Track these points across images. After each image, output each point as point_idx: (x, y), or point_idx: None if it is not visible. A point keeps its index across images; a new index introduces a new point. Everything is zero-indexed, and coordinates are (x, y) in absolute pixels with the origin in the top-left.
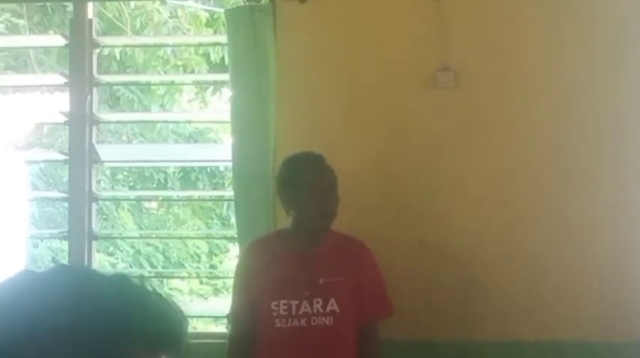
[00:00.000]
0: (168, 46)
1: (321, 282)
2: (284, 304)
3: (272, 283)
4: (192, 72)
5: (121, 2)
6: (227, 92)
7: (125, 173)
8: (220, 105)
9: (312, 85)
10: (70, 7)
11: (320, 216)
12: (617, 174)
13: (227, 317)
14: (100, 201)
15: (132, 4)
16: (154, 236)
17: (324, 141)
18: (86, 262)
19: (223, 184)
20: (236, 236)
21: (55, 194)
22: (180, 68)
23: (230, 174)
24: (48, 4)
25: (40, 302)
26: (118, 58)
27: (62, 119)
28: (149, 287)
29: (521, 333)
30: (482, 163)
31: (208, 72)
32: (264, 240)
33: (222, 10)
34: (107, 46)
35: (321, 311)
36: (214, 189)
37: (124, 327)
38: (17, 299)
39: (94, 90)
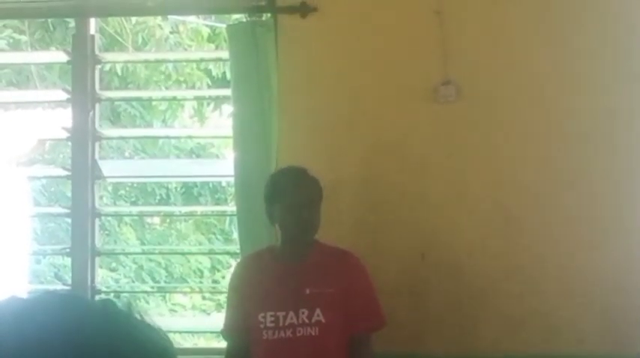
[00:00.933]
0: (170, 61)
1: (307, 293)
2: (271, 316)
3: (259, 295)
4: (194, 87)
5: (123, 18)
6: (227, 108)
7: (127, 188)
8: (221, 121)
9: (313, 100)
10: (72, 24)
11: (298, 230)
12: (620, 186)
13: (221, 333)
14: (102, 217)
15: (133, 19)
16: (157, 252)
17: (326, 155)
18: (89, 278)
19: (225, 199)
20: (238, 251)
21: (58, 210)
22: (182, 84)
23: (232, 190)
24: (49, 20)
25: (28, 330)
26: (120, 73)
27: (65, 135)
28: (136, 315)
29: (521, 347)
30: (484, 176)
31: (210, 87)
32: (255, 255)
33: (224, 26)
34: (109, 62)
35: (307, 321)
36: (216, 204)
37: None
38: (3, 326)
39: (97, 106)
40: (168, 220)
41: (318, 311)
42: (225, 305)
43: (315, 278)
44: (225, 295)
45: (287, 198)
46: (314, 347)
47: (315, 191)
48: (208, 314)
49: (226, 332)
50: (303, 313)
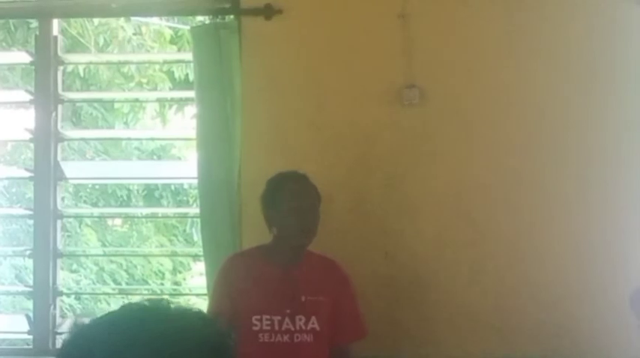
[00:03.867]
0: (133, 63)
1: (303, 300)
2: (267, 319)
3: (254, 296)
4: (156, 89)
5: (85, 19)
6: (190, 110)
7: (88, 190)
8: (184, 123)
9: (278, 102)
10: (34, 25)
11: (299, 234)
12: (589, 191)
13: None
14: (64, 218)
15: (96, 21)
16: (119, 254)
17: (291, 158)
18: (51, 279)
19: (187, 201)
20: (200, 253)
21: (21, 211)
22: (145, 85)
23: (194, 192)
24: (11, 21)
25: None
26: (82, 75)
27: (27, 136)
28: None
29: (486, 349)
30: (448, 180)
31: (171, 89)
32: (246, 253)
33: (187, 28)
34: (72, 64)
35: (304, 328)
36: (178, 206)
37: None
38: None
39: (59, 107)
40: (129, 222)
41: (313, 318)
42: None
43: (310, 286)
44: (186, 297)
45: (289, 201)
46: (309, 353)
47: (314, 195)
48: None
49: None
50: (300, 320)
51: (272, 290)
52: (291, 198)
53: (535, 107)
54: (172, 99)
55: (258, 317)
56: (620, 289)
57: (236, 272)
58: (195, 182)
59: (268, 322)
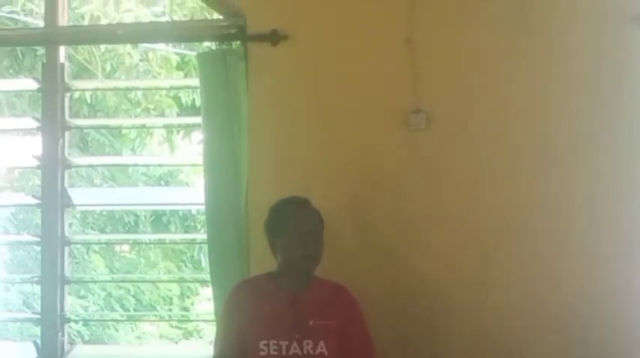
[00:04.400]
0: (139, 89)
1: (310, 324)
2: (274, 344)
3: (261, 322)
4: (163, 114)
5: (92, 45)
6: (197, 135)
7: (95, 216)
8: (190, 148)
9: (284, 128)
10: (40, 52)
11: (302, 260)
12: (600, 217)
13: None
14: (71, 245)
15: (102, 47)
16: (127, 280)
17: (298, 184)
18: (59, 306)
19: (195, 227)
20: (208, 279)
21: (28, 238)
22: (152, 111)
23: (202, 217)
24: (18, 48)
25: None
26: (89, 101)
27: (34, 163)
28: None
29: None
30: (455, 204)
31: (179, 115)
32: (253, 280)
33: (193, 54)
34: (79, 90)
35: (311, 353)
36: (186, 232)
37: None
38: None
39: (66, 134)
40: (137, 247)
41: (322, 343)
42: (194, 332)
43: (317, 310)
44: (194, 323)
45: (291, 228)
46: None
47: (317, 221)
48: (176, 342)
49: (221, 354)
50: (308, 344)
51: (279, 315)
52: (292, 224)
53: (542, 130)
54: (179, 125)
55: (266, 342)
56: (634, 322)
57: (243, 299)
58: (202, 208)
59: (275, 347)
